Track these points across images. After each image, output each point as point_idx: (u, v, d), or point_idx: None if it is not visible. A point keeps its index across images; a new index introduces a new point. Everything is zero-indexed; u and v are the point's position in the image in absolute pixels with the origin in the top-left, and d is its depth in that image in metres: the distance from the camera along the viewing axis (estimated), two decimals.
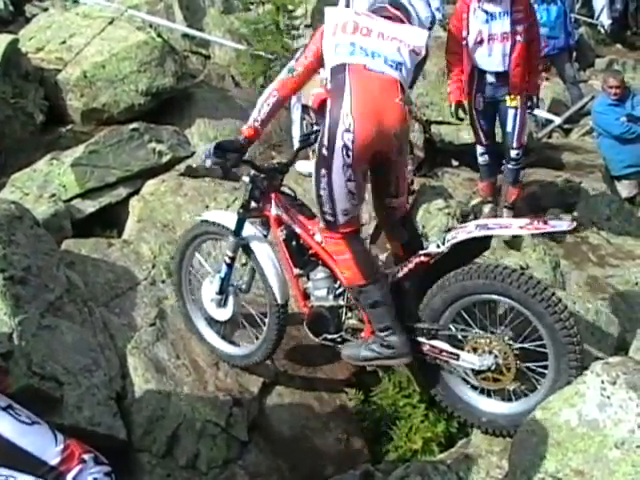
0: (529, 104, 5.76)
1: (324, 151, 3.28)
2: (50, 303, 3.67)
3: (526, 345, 3.31)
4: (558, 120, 8.81)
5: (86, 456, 2.12)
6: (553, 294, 3.20)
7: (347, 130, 3.21)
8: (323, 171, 3.30)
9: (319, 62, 3.53)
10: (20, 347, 3.26)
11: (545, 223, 3.29)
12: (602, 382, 2.90)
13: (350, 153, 3.23)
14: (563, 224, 3.53)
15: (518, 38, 5.39)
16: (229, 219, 3.89)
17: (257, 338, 4.03)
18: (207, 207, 5.11)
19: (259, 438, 3.93)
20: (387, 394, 4.05)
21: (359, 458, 3.93)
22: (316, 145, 3.38)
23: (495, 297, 3.31)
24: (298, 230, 3.76)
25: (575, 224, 3.80)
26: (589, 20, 12.95)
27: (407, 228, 3.82)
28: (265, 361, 4.09)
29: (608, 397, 2.84)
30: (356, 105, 3.23)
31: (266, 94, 3.59)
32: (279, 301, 3.80)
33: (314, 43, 3.52)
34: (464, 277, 3.34)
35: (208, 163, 3.57)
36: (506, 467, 3.26)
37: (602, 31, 12.99)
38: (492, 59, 5.46)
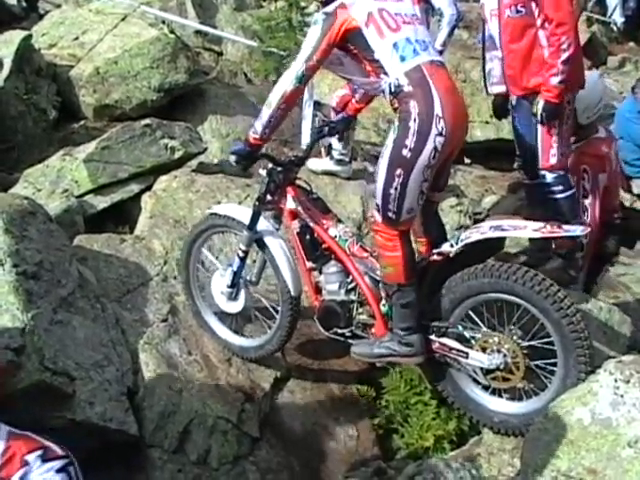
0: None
1: (405, 152, 3.16)
2: (62, 298, 3.67)
3: (534, 343, 3.30)
4: None
5: (30, 457, 1.87)
6: (559, 290, 3.19)
7: (440, 134, 3.13)
8: (399, 171, 3.19)
9: (323, 62, 3.34)
10: (32, 342, 3.25)
11: (559, 227, 3.28)
12: (615, 380, 2.89)
13: (437, 155, 3.18)
14: (577, 229, 3.49)
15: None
16: (242, 213, 3.89)
17: (269, 328, 4.03)
18: (219, 203, 5.09)
19: (270, 434, 3.94)
20: (398, 391, 4.05)
21: (370, 455, 3.94)
22: (389, 143, 3.25)
23: (501, 295, 3.30)
24: (312, 224, 3.76)
25: (589, 229, 3.80)
26: (602, 18, 12.87)
27: (436, 223, 3.77)
28: (278, 351, 4.09)
29: (621, 395, 2.83)
30: (446, 107, 3.14)
31: (274, 106, 3.36)
32: (292, 294, 3.81)
33: (327, 44, 3.26)
34: (469, 277, 3.34)
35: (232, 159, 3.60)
36: (518, 465, 3.25)
37: (615, 29, 12.91)
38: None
